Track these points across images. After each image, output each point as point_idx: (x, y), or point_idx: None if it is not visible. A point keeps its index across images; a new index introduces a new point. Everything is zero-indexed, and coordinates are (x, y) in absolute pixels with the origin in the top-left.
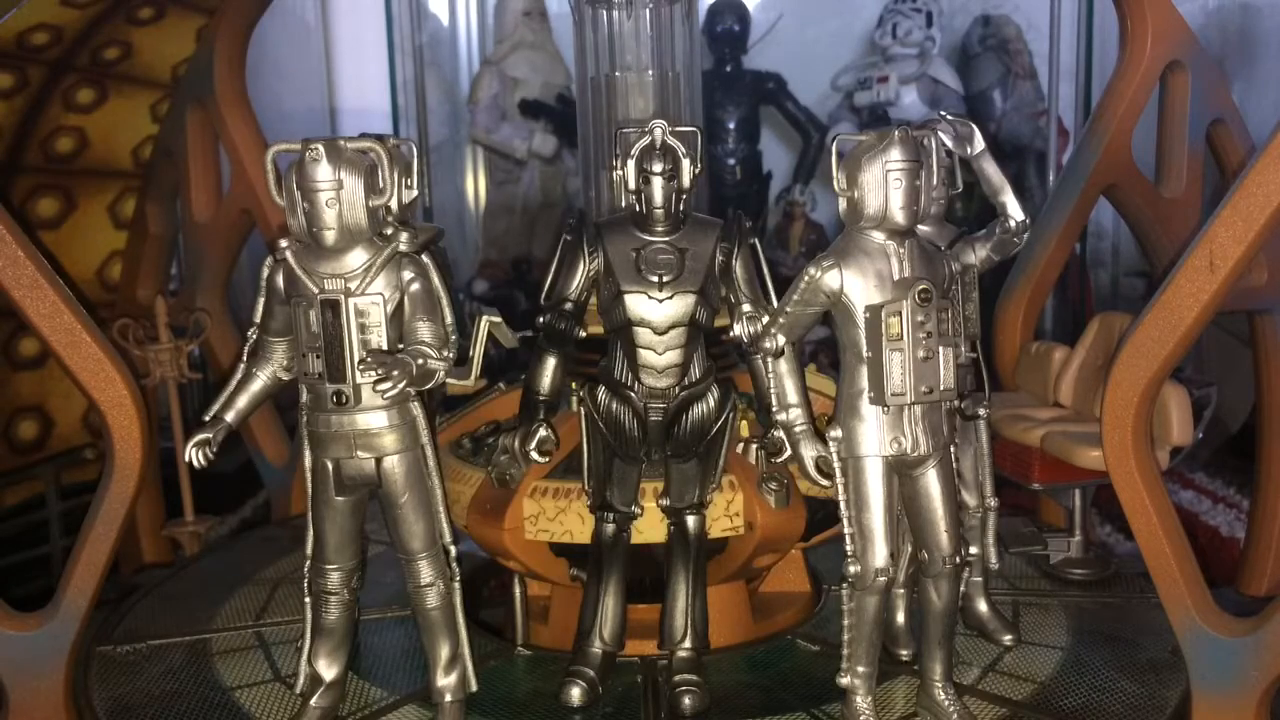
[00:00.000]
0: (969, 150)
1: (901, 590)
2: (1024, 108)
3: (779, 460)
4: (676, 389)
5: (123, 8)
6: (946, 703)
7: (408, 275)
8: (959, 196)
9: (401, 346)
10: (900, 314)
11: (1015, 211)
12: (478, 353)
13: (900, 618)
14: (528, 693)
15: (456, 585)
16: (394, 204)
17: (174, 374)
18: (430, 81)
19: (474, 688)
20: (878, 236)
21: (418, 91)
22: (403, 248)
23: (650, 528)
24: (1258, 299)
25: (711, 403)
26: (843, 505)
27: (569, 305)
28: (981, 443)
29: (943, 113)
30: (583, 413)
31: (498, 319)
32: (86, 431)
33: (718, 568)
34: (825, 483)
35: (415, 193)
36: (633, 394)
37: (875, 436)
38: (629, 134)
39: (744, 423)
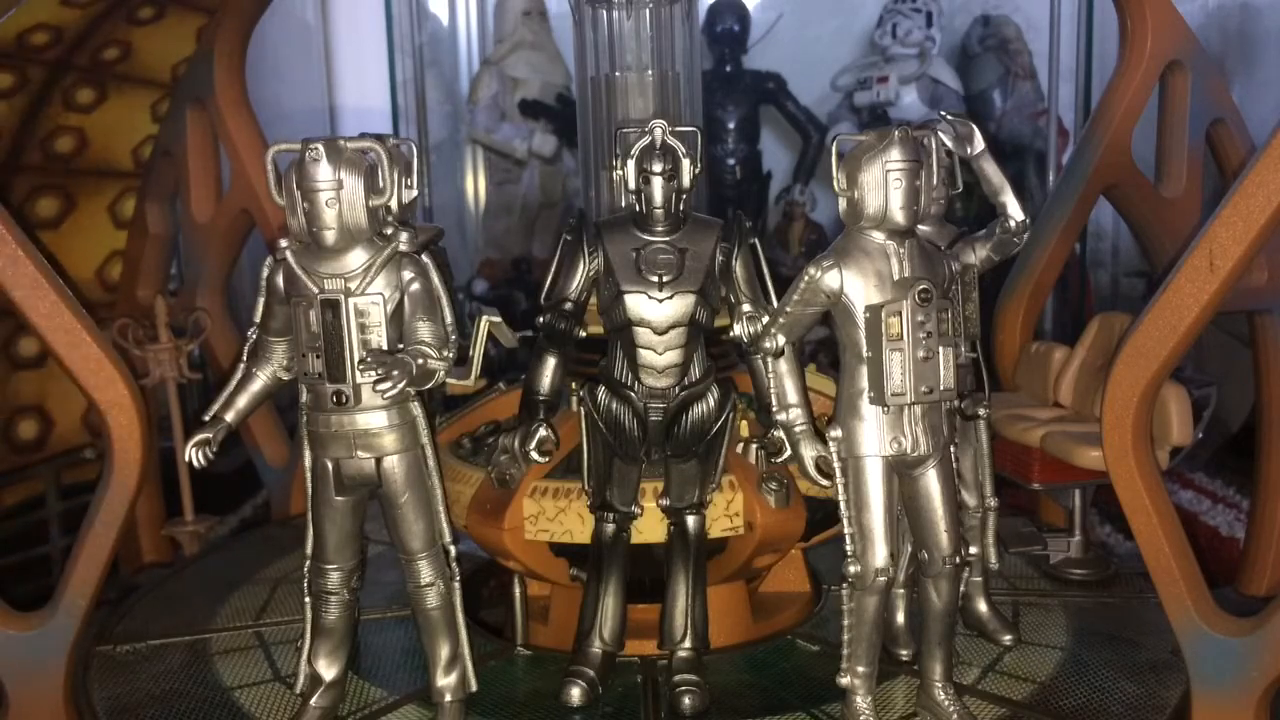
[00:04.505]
0: (969, 150)
1: (901, 590)
2: (1024, 108)
3: (779, 460)
4: (676, 389)
5: (123, 8)
6: (946, 703)
7: (407, 275)
8: (959, 196)
9: (401, 346)
10: (900, 314)
11: (1015, 211)
12: (478, 353)
13: (900, 618)
14: (528, 693)
15: (456, 585)
16: (394, 204)
17: (174, 374)
18: (430, 81)
19: (474, 688)
20: (878, 236)
21: (418, 91)
22: (403, 247)
23: (650, 528)
24: (1258, 299)
25: (711, 403)
26: (843, 505)
27: (569, 305)
28: (981, 443)
29: (943, 113)
30: (583, 413)
31: (498, 319)
32: (86, 431)
33: (718, 568)
34: (825, 483)
35: (415, 193)
36: (633, 394)
37: (875, 436)
38: (629, 134)
39: (744, 423)
